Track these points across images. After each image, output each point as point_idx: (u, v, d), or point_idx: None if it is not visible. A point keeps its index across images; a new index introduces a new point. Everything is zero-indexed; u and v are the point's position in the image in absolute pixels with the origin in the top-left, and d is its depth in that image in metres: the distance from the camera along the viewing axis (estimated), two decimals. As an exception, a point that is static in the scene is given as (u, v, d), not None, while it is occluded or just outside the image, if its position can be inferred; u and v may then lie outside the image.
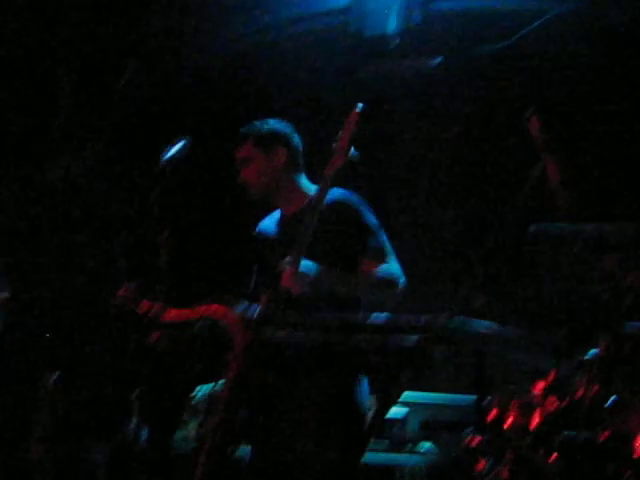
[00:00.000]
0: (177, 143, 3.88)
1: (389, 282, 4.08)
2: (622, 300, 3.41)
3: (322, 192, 4.09)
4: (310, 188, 4.35)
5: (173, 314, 3.25)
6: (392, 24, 6.39)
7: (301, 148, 4.43)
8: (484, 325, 3.61)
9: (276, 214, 4.49)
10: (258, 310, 3.82)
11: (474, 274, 6.04)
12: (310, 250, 3.98)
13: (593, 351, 3.39)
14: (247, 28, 6.96)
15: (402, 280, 4.12)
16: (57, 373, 4.70)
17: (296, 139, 4.42)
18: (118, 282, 3.61)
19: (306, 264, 3.94)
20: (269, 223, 4.50)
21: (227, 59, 7.11)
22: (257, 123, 4.41)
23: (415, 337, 3.50)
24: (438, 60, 6.51)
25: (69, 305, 6.34)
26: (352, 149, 4.04)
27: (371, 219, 4.22)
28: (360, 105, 4.12)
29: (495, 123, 6.35)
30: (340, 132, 4.11)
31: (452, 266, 6.38)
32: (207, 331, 3.49)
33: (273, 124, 4.42)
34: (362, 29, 6.52)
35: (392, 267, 4.13)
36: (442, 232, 6.57)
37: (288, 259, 3.99)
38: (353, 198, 4.25)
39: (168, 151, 3.83)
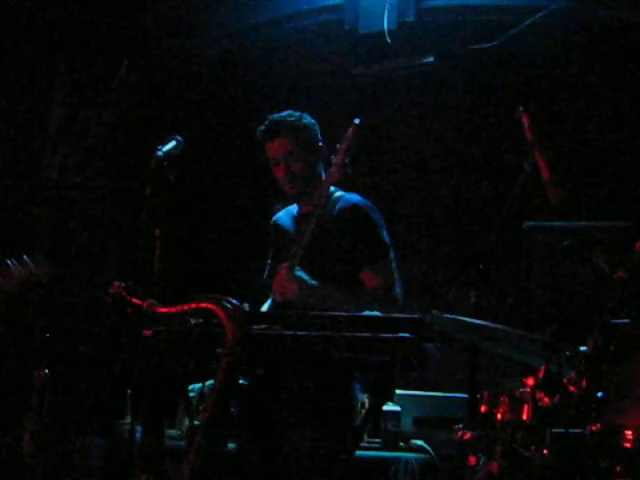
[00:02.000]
0: (171, 140, 3.88)
1: (390, 301, 4.13)
2: (611, 296, 3.43)
3: (320, 201, 4.13)
4: (330, 187, 4.37)
5: (165, 309, 3.26)
6: (386, 21, 6.39)
7: None
8: (475, 321, 3.62)
9: (293, 209, 4.50)
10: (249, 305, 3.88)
11: (467, 271, 6.07)
12: (316, 251, 4.04)
13: (582, 347, 3.41)
14: (240, 26, 6.97)
15: (400, 298, 4.20)
16: (48, 370, 4.70)
17: None
18: (111, 278, 3.61)
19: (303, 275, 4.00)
20: (285, 216, 4.53)
21: (220, 58, 7.11)
22: (287, 116, 4.37)
23: (407, 333, 3.50)
24: (432, 57, 6.52)
25: (62, 301, 6.35)
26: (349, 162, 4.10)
27: (383, 229, 4.27)
28: (358, 119, 4.17)
29: (488, 119, 6.36)
30: (338, 145, 4.15)
31: (445, 263, 6.40)
32: (200, 326, 3.51)
33: (306, 117, 4.41)
34: (356, 26, 6.53)
35: (394, 290, 4.19)
36: (435, 229, 6.59)
37: (286, 262, 4.04)
38: (370, 206, 4.29)
39: (162, 147, 3.83)
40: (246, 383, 3.87)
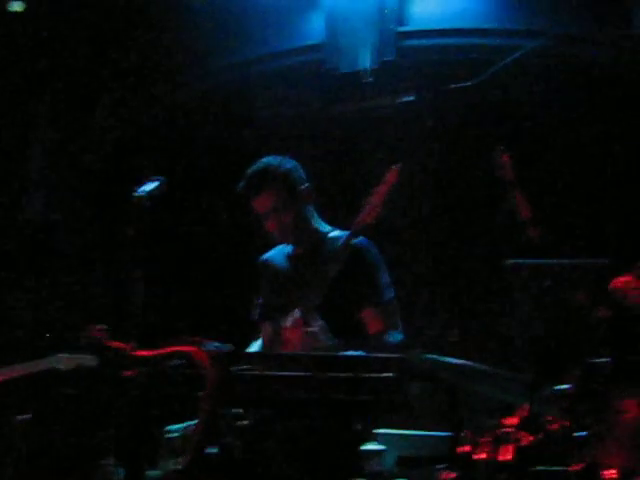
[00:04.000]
0: (154, 180, 3.87)
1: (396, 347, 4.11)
2: (592, 334, 3.44)
3: (347, 244, 4.12)
4: (322, 225, 4.35)
5: (145, 353, 3.25)
6: (366, 60, 6.43)
7: None
8: (456, 361, 3.62)
9: (284, 248, 4.46)
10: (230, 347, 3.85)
11: (447, 309, 6.08)
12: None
13: (564, 385, 3.41)
14: (221, 65, 6.99)
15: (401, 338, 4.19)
16: (28, 415, 4.67)
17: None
18: (92, 317, 3.60)
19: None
20: (276, 255, 4.49)
21: (201, 96, 7.13)
22: (267, 165, 4.30)
23: (389, 373, 3.49)
24: (412, 95, 6.55)
25: (41, 344, 6.31)
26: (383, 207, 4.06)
27: (383, 268, 4.26)
28: (397, 165, 4.15)
29: (468, 158, 6.39)
30: (376, 187, 4.11)
31: (426, 301, 6.39)
32: (180, 368, 3.49)
33: (285, 162, 4.35)
34: (337, 65, 6.57)
35: (396, 337, 4.18)
36: (416, 267, 6.59)
37: (297, 312, 4.01)
38: (369, 244, 4.29)
39: (144, 187, 3.82)
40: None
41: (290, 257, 4.45)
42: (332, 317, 4.15)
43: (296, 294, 4.26)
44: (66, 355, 4.43)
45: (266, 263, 4.53)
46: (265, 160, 4.34)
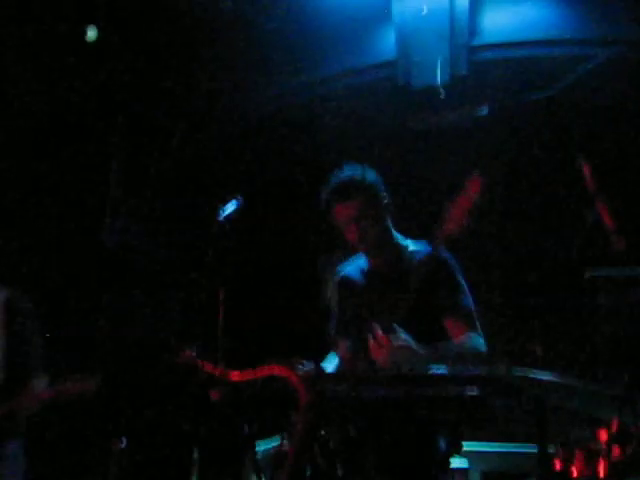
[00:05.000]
0: (231, 202, 3.89)
1: (476, 355, 4.06)
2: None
3: (433, 258, 4.04)
4: (400, 238, 4.34)
5: (237, 376, 3.27)
6: (439, 75, 6.42)
7: None
8: (544, 375, 3.57)
9: (360, 262, 4.43)
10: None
11: (530, 322, 6.02)
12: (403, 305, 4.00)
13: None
14: (296, 83, 7.03)
15: (484, 349, 4.13)
16: (124, 438, 4.73)
17: None
18: (173, 343, 3.63)
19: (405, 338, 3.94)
20: (353, 270, 4.45)
21: (276, 116, 7.17)
22: (352, 174, 4.24)
23: (476, 388, 3.46)
24: (485, 109, 6.52)
25: (129, 368, 6.38)
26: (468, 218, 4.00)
27: (462, 279, 4.23)
28: (479, 172, 4.03)
29: (546, 170, 6.34)
30: (458, 197, 4.02)
31: (510, 315, 6.34)
32: (270, 390, 3.49)
33: (369, 173, 4.28)
34: (410, 81, 6.56)
35: (477, 339, 4.13)
36: (500, 280, 6.54)
37: (378, 329, 3.98)
38: (449, 256, 4.25)
39: (223, 211, 3.84)
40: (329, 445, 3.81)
41: (369, 271, 4.42)
42: (413, 331, 4.12)
43: (377, 309, 4.24)
44: None
45: (344, 279, 4.51)
46: (348, 170, 4.32)
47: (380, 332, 4.02)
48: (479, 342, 4.17)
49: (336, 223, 4.30)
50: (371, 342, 4.01)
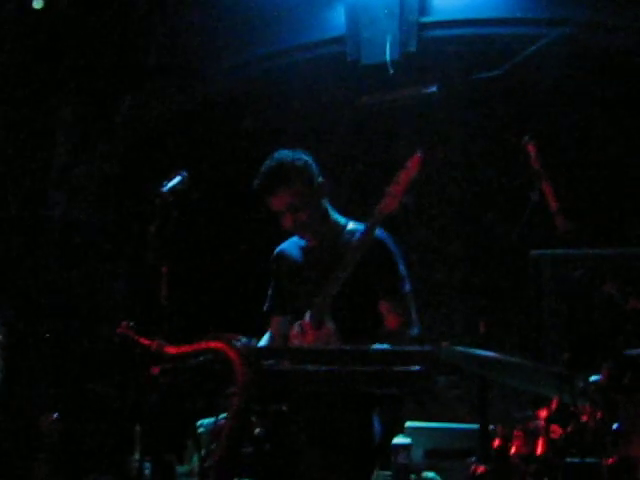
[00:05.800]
0: (176, 175, 3.84)
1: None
2: (623, 325, 3.40)
3: (368, 235, 4.03)
4: (339, 217, 4.32)
5: (173, 350, 3.24)
6: (388, 52, 6.40)
7: None
8: (485, 353, 3.58)
9: (299, 240, 4.41)
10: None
11: (475, 300, 6.05)
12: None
13: (595, 377, 3.37)
14: (244, 59, 6.98)
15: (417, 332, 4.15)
16: (56, 413, 4.68)
17: None
18: (117, 318, 3.59)
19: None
20: (291, 247, 4.45)
21: (224, 91, 7.12)
22: (281, 161, 4.21)
23: (417, 366, 3.46)
24: (435, 87, 6.52)
25: (69, 341, 6.33)
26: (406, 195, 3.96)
27: (401, 261, 4.22)
28: (420, 151, 4.02)
29: (492, 149, 6.35)
30: (397, 175, 4.03)
31: (454, 293, 6.37)
32: (209, 364, 3.47)
33: (300, 156, 4.26)
34: (359, 57, 6.54)
35: (416, 330, 4.14)
36: (443, 258, 6.56)
37: (307, 316, 3.98)
38: (385, 236, 4.23)
39: (167, 183, 3.79)
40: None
41: (305, 249, 4.40)
42: (346, 308, 4.12)
43: (311, 286, 4.23)
44: None
45: (280, 255, 4.49)
46: (278, 156, 4.26)
47: (307, 320, 4.03)
48: (412, 331, 4.19)
49: (271, 210, 4.28)
50: (294, 329, 4.01)
